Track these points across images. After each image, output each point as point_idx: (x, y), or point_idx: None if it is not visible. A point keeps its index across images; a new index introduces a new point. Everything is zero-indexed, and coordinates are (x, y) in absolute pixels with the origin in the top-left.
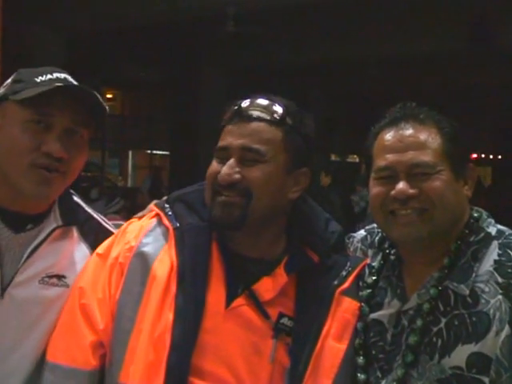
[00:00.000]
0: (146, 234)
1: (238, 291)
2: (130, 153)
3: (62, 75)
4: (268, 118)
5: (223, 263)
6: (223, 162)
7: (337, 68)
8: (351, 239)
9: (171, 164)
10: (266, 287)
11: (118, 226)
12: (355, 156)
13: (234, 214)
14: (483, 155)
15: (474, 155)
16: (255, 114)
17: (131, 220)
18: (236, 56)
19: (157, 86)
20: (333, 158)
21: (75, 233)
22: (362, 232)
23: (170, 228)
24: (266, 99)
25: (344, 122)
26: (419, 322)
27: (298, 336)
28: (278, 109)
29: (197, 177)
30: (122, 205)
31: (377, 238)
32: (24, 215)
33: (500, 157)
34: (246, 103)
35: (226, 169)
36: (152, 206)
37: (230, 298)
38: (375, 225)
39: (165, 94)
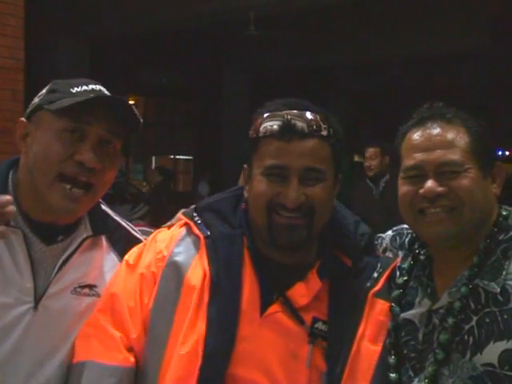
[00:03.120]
0: (176, 243)
1: (272, 298)
2: (154, 158)
3: (98, 87)
4: (319, 134)
5: (256, 270)
6: (278, 180)
7: (359, 69)
8: (380, 240)
9: (195, 169)
10: (301, 293)
11: (144, 233)
12: None
13: (300, 235)
14: None
15: (507, 152)
16: (306, 129)
17: (160, 229)
18: (257, 59)
19: (179, 91)
20: (356, 159)
21: (104, 242)
22: (390, 232)
23: (201, 237)
24: (306, 109)
25: (367, 123)
26: (450, 321)
27: (333, 340)
28: (323, 122)
29: (220, 180)
30: (146, 210)
31: (407, 240)
32: (54, 226)
33: None
34: (289, 116)
35: (293, 191)
36: (180, 215)
37: (264, 305)
38: (404, 226)
39: (187, 99)
